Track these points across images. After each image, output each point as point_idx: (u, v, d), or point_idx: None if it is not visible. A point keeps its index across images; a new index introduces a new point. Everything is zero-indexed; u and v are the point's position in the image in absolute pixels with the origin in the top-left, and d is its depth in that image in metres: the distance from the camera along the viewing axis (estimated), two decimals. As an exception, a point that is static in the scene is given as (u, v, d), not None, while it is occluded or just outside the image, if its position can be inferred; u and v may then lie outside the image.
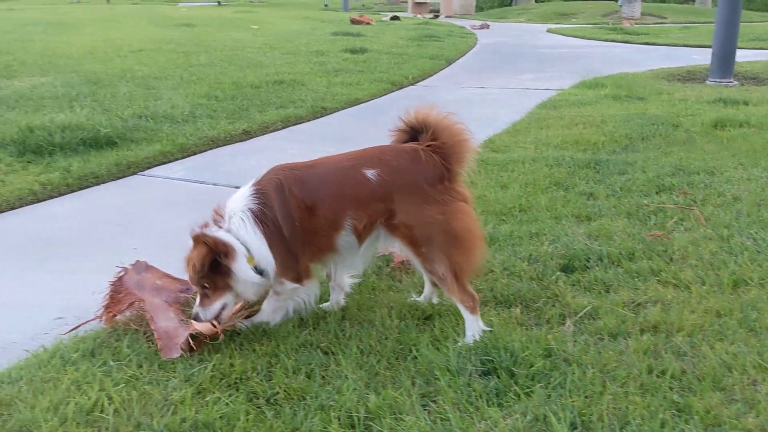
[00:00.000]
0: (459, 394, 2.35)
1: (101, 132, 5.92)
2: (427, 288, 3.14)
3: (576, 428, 2.17)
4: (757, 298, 3.01)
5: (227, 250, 2.69)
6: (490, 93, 9.35)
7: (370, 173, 2.76)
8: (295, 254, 2.80)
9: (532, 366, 2.48)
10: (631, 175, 5.02)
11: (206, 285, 2.74)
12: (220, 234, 2.74)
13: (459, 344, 2.69)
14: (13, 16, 18.89)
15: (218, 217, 2.81)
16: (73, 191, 4.97)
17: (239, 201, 2.80)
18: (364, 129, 6.99)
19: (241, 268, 2.71)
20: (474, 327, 2.78)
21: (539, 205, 4.38)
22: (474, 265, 2.82)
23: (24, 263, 3.76)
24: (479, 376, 2.47)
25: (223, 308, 2.80)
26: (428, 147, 2.82)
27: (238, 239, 2.73)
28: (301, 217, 2.76)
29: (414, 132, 2.90)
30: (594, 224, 4.05)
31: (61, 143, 5.61)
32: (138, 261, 3.19)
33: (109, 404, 2.33)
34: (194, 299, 2.87)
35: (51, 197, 4.82)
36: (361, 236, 2.83)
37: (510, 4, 33.46)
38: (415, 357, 2.65)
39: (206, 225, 2.81)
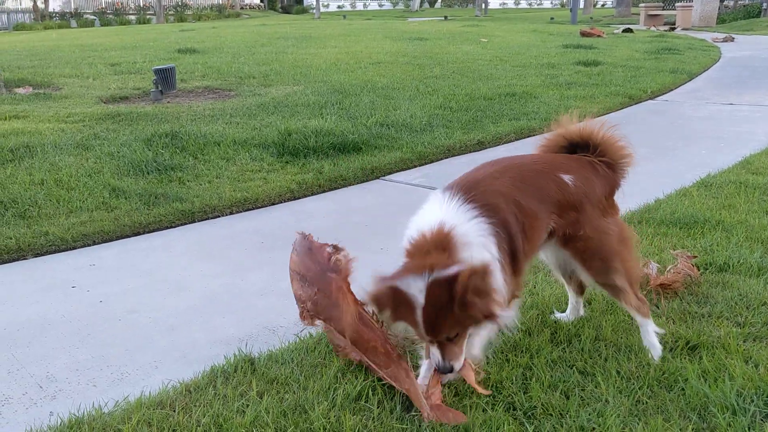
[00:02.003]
0: (742, 436, 2.14)
1: (348, 138, 6.29)
2: (573, 302, 3.04)
3: None
4: None
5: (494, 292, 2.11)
6: (740, 110, 8.56)
7: (567, 178, 2.57)
8: (517, 272, 2.40)
9: (829, 416, 2.19)
10: None
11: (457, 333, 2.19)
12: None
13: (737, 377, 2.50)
14: (266, 31, 20.86)
15: (443, 252, 2.17)
16: (324, 191, 5.32)
17: (470, 226, 2.24)
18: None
19: (506, 313, 2.18)
20: (652, 332, 2.73)
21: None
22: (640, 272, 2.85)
23: (285, 254, 4.05)
24: (763, 418, 2.23)
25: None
26: (600, 161, 2.70)
27: None
28: (531, 226, 2.42)
29: (571, 145, 2.75)
30: None
31: (314, 147, 6.05)
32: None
33: (373, 395, 2.43)
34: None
35: (305, 196, 5.20)
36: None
37: (758, 15, 30.47)
38: (683, 389, 2.46)
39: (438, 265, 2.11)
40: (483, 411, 2.34)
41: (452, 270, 2.07)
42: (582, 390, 2.48)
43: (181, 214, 4.65)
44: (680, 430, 2.21)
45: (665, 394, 2.44)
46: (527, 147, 6.78)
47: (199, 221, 4.65)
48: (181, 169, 5.51)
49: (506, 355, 2.70)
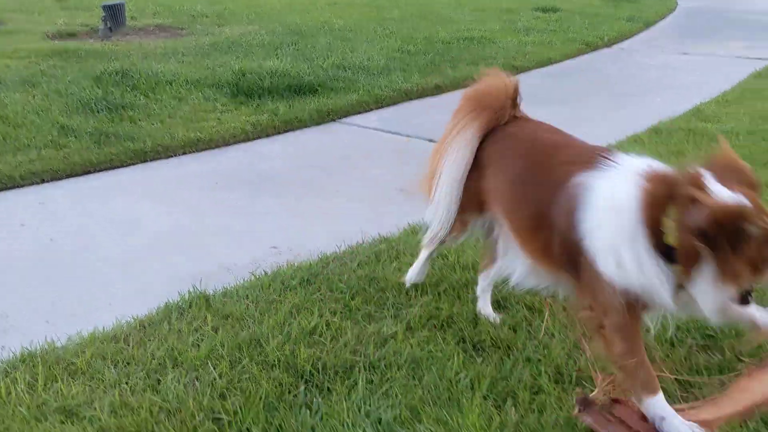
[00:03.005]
0: (679, 366, 2.25)
1: (304, 79, 6.21)
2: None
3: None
4: None
5: None
6: (694, 59, 8.69)
7: None
8: None
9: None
10: None
11: None
12: None
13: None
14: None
15: None
16: (279, 133, 5.27)
17: None
18: (557, 89, 6.78)
19: None
20: None
21: (760, 182, 4.04)
22: None
23: (240, 195, 4.06)
24: (698, 350, 2.35)
25: None
26: None
27: None
28: None
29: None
30: (824, 205, 3.67)
31: (269, 88, 5.95)
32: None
33: (327, 330, 2.48)
34: None
35: (260, 137, 5.14)
36: None
37: (715, -34, 30.66)
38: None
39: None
40: (436, 344, 2.40)
41: None
42: (529, 325, 2.56)
43: (133, 154, 4.55)
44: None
45: (609, 328, 2.54)
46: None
47: (151, 161, 4.57)
48: (133, 108, 5.38)
49: (457, 292, 2.77)
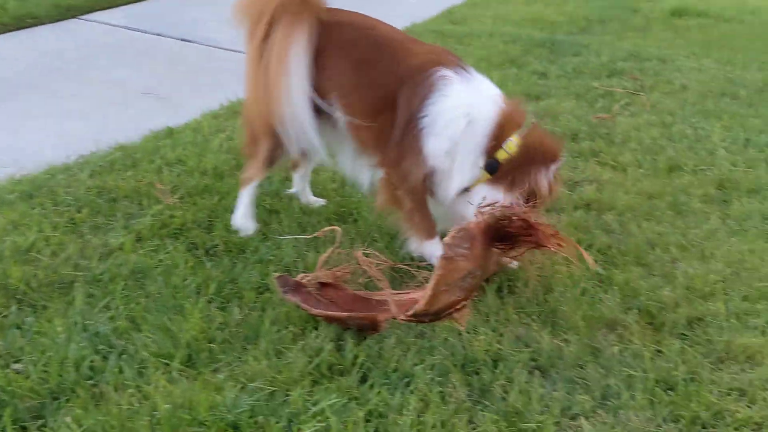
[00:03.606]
0: (395, 256, 2.43)
1: (38, -32, 5.55)
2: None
3: (502, 293, 2.27)
4: (689, 183, 3.13)
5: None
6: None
7: None
8: None
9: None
10: (584, 57, 5.03)
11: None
12: None
13: None
14: None
15: None
16: (9, 31, 4.73)
17: None
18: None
19: None
20: None
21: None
22: None
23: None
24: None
25: None
26: None
27: None
28: None
29: None
30: (542, 103, 4.08)
31: (-6, -23, 5.25)
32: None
33: (46, 246, 2.33)
34: None
35: (-16, 35, 4.57)
36: None
37: None
38: (356, 220, 2.70)
39: None
40: (166, 253, 2.36)
41: None
42: (267, 226, 2.60)
43: None
44: (349, 255, 2.43)
45: (341, 225, 2.65)
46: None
47: None
48: None
49: (194, 199, 2.73)
